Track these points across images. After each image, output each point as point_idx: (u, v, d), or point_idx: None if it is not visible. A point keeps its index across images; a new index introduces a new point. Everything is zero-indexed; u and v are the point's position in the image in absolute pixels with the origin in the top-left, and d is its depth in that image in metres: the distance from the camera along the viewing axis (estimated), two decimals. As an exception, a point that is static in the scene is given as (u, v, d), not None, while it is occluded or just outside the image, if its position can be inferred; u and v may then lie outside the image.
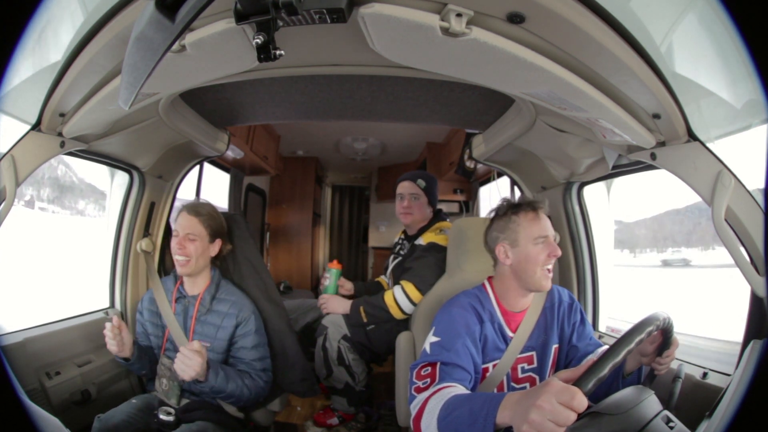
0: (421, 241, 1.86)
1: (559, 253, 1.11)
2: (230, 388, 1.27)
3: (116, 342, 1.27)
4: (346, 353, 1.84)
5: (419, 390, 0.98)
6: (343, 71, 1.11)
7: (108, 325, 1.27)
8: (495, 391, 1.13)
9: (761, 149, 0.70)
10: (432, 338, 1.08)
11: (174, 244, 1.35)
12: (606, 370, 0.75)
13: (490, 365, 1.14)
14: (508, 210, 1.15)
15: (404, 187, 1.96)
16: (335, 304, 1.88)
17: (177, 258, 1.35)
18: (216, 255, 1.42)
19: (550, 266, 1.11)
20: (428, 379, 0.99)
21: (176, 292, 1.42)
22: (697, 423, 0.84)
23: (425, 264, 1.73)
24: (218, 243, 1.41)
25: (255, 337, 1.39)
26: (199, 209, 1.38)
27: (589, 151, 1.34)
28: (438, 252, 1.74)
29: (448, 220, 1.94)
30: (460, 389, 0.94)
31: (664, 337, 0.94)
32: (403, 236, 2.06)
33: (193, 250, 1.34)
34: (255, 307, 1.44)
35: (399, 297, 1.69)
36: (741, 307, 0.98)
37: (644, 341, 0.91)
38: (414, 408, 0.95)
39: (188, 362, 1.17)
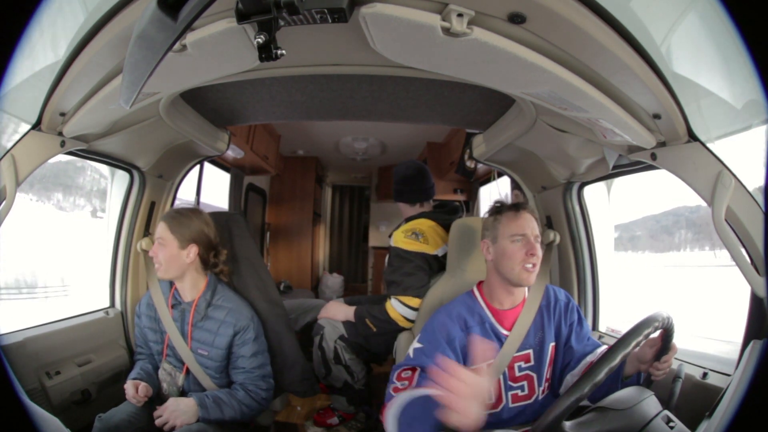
0: (391, 240, 1.81)
1: (537, 252, 1.13)
2: (228, 415, 1.28)
3: (142, 401, 1.29)
4: (343, 353, 1.84)
5: (397, 390, 1.05)
6: (344, 71, 1.11)
7: (131, 391, 1.27)
8: (492, 389, 1.14)
9: (761, 149, 0.70)
10: (416, 344, 1.15)
11: None
12: (602, 375, 0.76)
13: (484, 365, 1.14)
14: (494, 210, 1.22)
15: None
16: (335, 309, 1.87)
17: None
18: (205, 262, 1.38)
19: (530, 264, 1.13)
20: (407, 382, 1.06)
21: (171, 298, 1.41)
22: (697, 423, 0.84)
23: (406, 273, 1.67)
24: (193, 249, 1.34)
25: (254, 345, 1.37)
26: (170, 214, 1.37)
27: (589, 151, 1.34)
28: (408, 261, 1.68)
29: (430, 217, 1.80)
30: (420, 391, 0.96)
31: (663, 340, 0.94)
32: None
33: (161, 255, 1.32)
34: (253, 312, 1.42)
35: (401, 310, 1.65)
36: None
37: (644, 345, 0.92)
38: (388, 406, 0.98)
39: (170, 414, 1.21)
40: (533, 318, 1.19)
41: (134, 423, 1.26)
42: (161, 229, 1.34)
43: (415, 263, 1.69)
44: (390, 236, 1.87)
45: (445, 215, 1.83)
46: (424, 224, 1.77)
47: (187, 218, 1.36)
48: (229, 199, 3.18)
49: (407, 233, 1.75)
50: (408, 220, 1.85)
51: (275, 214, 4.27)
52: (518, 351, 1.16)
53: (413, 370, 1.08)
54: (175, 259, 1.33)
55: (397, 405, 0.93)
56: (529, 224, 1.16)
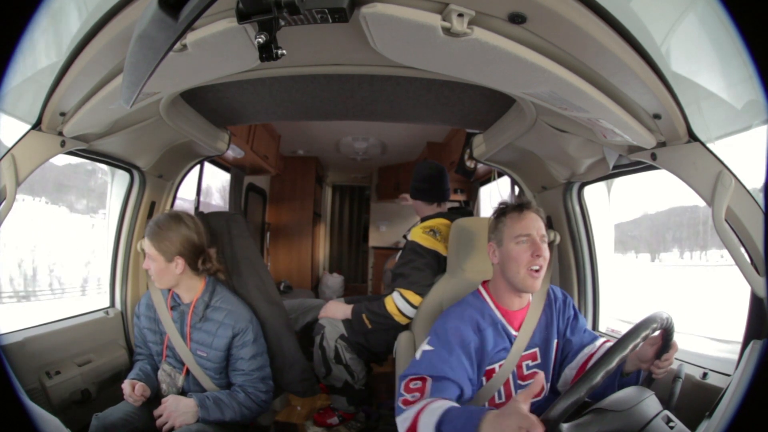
0: (409, 235, 1.85)
1: (543, 253, 1.10)
2: (228, 415, 1.28)
3: (139, 401, 1.30)
4: (344, 352, 1.84)
5: (407, 403, 0.99)
6: (344, 71, 1.11)
7: (128, 390, 1.28)
8: (501, 388, 1.15)
9: (761, 149, 0.70)
10: (426, 346, 1.09)
11: None
12: (599, 377, 0.76)
13: (496, 366, 1.15)
14: (499, 212, 1.20)
15: None
16: (334, 309, 1.88)
17: None
18: (195, 269, 1.36)
19: (536, 267, 1.10)
20: (417, 393, 1.00)
21: (171, 300, 1.41)
22: (697, 423, 0.84)
23: (416, 267, 1.70)
24: (179, 260, 1.32)
25: (253, 347, 1.37)
26: (152, 229, 1.33)
27: (589, 151, 1.34)
28: (421, 256, 1.72)
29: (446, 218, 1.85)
30: (448, 404, 0.94)
31: (664, 339, 0.94)
32: None
33: (153, 269, 1.33)
34: (252, 314, 1.42)
35: (400, 304, 1.66)
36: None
37: (644, 343, 0.92)
38: (404, 421, 0.95)
39: (169, 414, 1.22)
40: (539, 316, 1.20)
41: (131, 422, 1.27)
42: (146, 245, 1.33)
43: (426, 260, 1.71)
44: (404, 236, 1.95)
45: (460, 217, 1.84)
46: (443, 223, 1.81)
47: (167, 230, 1.32)
48: (230, 198, 3.17)
49: (426, 229, 1.79)
50: (424, 219, 1.88)
51: (275, 214, 4.27)
52: (525, 350, 1.17)
53: (422, 380, 1.02)
54: (164, 272, 1.33)
55: (429, 420, 0.88)
56: (535, 224, 1.13)
